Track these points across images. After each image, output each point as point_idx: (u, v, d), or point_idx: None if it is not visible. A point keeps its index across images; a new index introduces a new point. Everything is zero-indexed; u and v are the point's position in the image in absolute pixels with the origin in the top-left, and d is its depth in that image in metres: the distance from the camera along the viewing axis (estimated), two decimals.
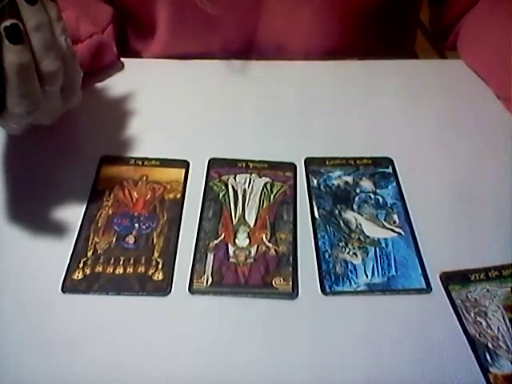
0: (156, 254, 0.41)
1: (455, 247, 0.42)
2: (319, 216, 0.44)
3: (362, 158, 0.48)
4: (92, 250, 0.41)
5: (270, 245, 0.42)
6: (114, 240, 0.42)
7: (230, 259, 0.41)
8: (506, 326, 0.37)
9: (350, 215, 0.44)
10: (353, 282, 0.40)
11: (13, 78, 0.35)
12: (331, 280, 0.40)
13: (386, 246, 0.42)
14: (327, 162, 0.48)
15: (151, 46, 0.61)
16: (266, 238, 0.42)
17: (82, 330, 0.37)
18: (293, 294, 0.39)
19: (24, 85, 0.36)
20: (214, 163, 0.48)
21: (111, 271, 0.40)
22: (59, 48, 0.38)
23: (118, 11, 0.59)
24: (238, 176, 0.47)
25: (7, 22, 0.34)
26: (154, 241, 0.42)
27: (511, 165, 0.48)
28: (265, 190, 0.46)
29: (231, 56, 0.58)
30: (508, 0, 0.55)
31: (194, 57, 0.58)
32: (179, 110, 0.53)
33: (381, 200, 0.45)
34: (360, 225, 0.43)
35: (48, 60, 0.37)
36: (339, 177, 0.47)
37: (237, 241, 0.42)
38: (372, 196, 0.45)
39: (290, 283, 0.39)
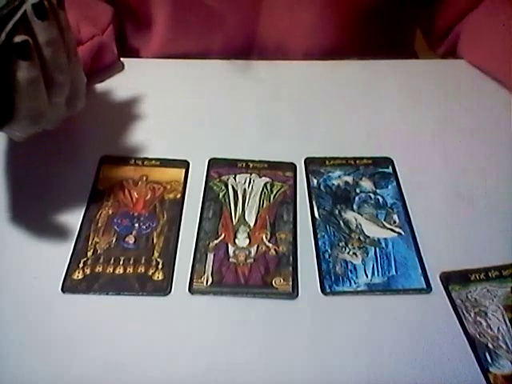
0: (156, 254, 0.41)
1: (455, 247, 0.42)
2: (319, 216, 0.44)
3: (361, 158, 0.48)
4: (92, 250, 0.41)
5: (270, 245, 0.42)
6: (114, 240, 0.42)
7: (230, 259, 0.41)
8: (506, 325, 0.37)
9: (350, 215, 0.44)
10: (353, 282, 0.40)
11: (22, 91, 0.36)
12: (331, 280, 0.40)
13: (386, 246, 0.42)
14: (327, 162, 0.48)
15: (150, 44, 0.61)
16: (266, 237, 0.42)
17: (81, 329, 0.37)
18: (293, 294, 0.39)
19: (32, 98, 0.37)
20: (213, 163, 0.48)
21: (111, 271, 0.40)
22: (67, 58, 0.38)
23: (117, 7, 0.59)
24: (237, 176, 0.47)
25: (18, 39, 0.34)
26: (154, 241, 0.42)
27: (511, 165, 0.48)
28: (265, 190, 0.46)
29: (231, 55, 0.58)
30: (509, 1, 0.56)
31: (193, 56, 0.58)
32: (179, 109, 0.53)
33: (381, 200, 0.45)
34: (360, 225, 0.43)
35: (57, 73, 0.37)
36: (339, 177, 0.47)
37: (237, 241, 0.42)
38: (372, 196, 0.45)
39: (290, 283, 0.39)
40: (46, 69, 0.37)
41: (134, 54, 0.63)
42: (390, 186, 0.46)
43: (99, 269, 0.40)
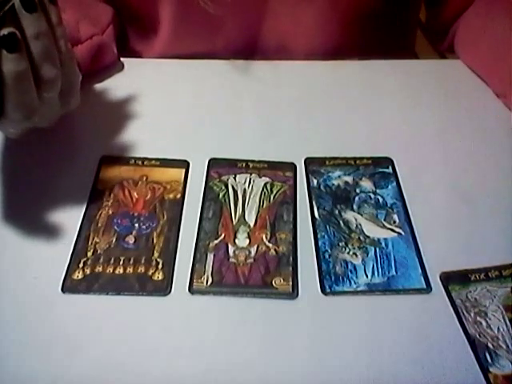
0: (156, 254, 0.41)
1: (455, 247, 0.42)
2: (319, 216, 0.44)
3: (361, 158, 0.48)
4: (92, 250, 0.41)
5: (270, 245, 0.42)
6: (114, 240, 0.42)
7: (230, 259, 0.41)
8: (506, 325, 0.37)
9: (350, 215, 0.44)
10: (353, 282, 0.40)
11: (10, 85, 0.36)
12: (331, 280, 0.40)
13: (386, 246, 0.42)
14: (327, 162, 0.48)
15: (153, 46, 0.61)
16: (266, 237, 0.42)
17: (81, 329, 0.37)
18: (293, 294, 0.39)
19: (21, 92, 0.36)
20: (213, 163, 0.48)
21: (111, 271, 0.40)
22: (58, 53, 0.38)
23: (119, 10, 0.59)
24: (237, 176, 0.47)
25: (5, 31, 0.34)
26: (154, 241, 0.42)
27: (511, 165, 0.48)
28: (265, 190, 0.46)
29: (233, 56, 0.58)
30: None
31: (195, 57, 0.58)
32: (179, 109, 0.53)
33: (381, 200, 0.45)
34: (360, 225, 0.43)
35: (46, 68, 0.37)
36: (339, 177, 0.47)
37: (237, 241, 0.42)
38: (372, 196, 0.45)
39: (290, 283, 0.39)
40: (35, 62, 0.36)
41: (135, 56, 0.63)
42: (389, 186, 0.46)
43: (99, 269, 0.40)
